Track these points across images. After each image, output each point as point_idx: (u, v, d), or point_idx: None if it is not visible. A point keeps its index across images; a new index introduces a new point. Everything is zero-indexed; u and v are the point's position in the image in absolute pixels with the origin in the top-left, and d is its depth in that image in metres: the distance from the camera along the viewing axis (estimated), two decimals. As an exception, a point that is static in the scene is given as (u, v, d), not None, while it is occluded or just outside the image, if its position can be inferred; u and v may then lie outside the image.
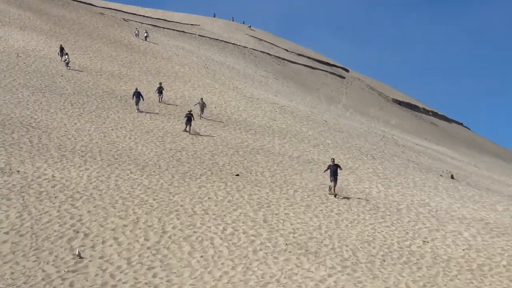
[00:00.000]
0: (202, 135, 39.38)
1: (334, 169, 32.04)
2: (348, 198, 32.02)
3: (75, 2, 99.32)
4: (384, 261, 22.61)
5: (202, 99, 49.04)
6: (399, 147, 61.05)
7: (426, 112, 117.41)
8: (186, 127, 40.10)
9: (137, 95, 47.00)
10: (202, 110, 47.76)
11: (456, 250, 24.81)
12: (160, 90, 47.07)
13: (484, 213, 32.92)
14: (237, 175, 33.73)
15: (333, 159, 33.94)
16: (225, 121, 47.38)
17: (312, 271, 20.89)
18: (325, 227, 26.20)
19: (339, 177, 32.87)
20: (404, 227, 27.62)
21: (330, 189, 32.52)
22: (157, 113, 45.47)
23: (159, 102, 45.09)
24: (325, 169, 33.51)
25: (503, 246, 25.19)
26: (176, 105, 49.37)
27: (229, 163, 35.79)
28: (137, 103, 46.68)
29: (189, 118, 39.60)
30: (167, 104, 40.17)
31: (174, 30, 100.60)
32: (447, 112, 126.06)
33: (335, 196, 31.82)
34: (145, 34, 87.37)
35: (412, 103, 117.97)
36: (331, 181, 32.07)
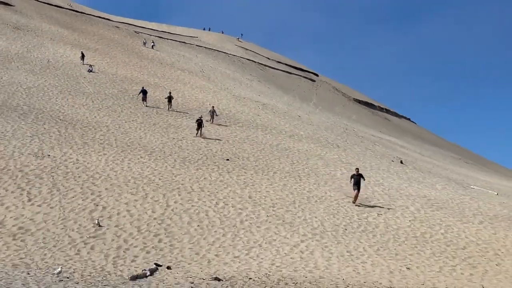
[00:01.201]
0: (210, 137, 38.74)
1: (357, 179, 27.62)
2: (317, 178, 32.06)
3: (95, 17, 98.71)
4: (346, 229, 22.81)
5: (213, 107, 47.11)
6: (359, 138, 61.17)
7: (380, 109, 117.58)
8: (197, 132, 38.51)
9: (144, 92, 46.96)
10: (212, 116, 45.29)
11: (404, 221, 25.04)
12: (170, 99, 44.82)
13: (426, 191, 33.18)
14: (227, 159, 33.73)
15: (358, 169, 28.99)
16: (217, 116, 47.31)
17: (288, 237, 21.07)
18: (298, 202, 26.31)
19: (362, 187, 28.18)
20: (362, 202, 27.78)
21: (355, 198, 27.67)
22: (162, 109, 45.37)
23: (168, 110, 42.67)
24: (350, 179, 28.54)
25: (441, 217, 25.50)
26: (178, 104, 49.32)
27: (221, 150, 35.77)
28: (143, 99, 46.58)
29: (199, 124, 38.18)
30: (175, 111, 38.21)
31: (175, 41, 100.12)
32: (398, 109, 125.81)
33: (354, 203, 27.44)
34: (152, 44, 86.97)
35: (369, 102, 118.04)
36: (354, 190, 27.55)
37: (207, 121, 41.83)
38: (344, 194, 29.06)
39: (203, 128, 38.78)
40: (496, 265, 19.48)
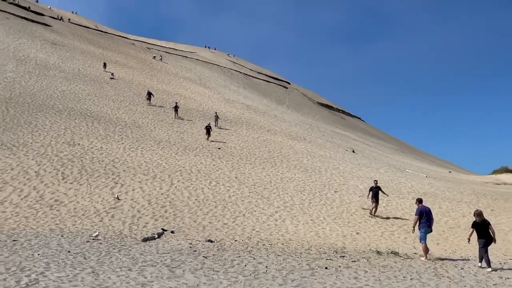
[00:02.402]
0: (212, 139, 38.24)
1: (376, 191, 22.62)
2: (289, 163, 32.18)
3: (115, 36, 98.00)
4: (310, 203, 22.93)
5: (216, 112, 45.79)
6: (321, 133, 61.46)
7: (337, 110, 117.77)
8: (207, 136, 36.55)
9: (149, 94, 46.76)
10: (216, 121, 43.39)
11: (355, 197, 25.22)
12: (176, 108, 42.64)
13: (372, 174, 33.34)
14: (219, 148, 33.72)
15: (376, 181, 24.08)
16: (211, 115, 47.23)
17: (265, 209, 21.16)
18: (273, 182, 26.41)
19: (380, 200, 22.92)
20: (323, 182, 27.96)
21: (371, 211, 22.38)
22: (168, 108, 45.26)
23: (174, 118, 40.51)
24: (368, 192, 23.10)
25: (384, 194, 25.67)
26: (181, 104, 49.30)
27: (213, 141, 35.76)
28: (148, 98, 46.22)
29: (208, 130, 36.64)
30: (181, 119, 37.59)
31: (179, 55, 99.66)
32: (351, 110, 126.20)
33: (372, 215, 22.06)
34: (160, 57, 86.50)
35: (329, 104, 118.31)
36: (372, 202, 22.48)
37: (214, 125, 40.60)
38: (308, 176, 29.16)
39: (211, 132, 37.13)
40: (437, 240, 19.68)
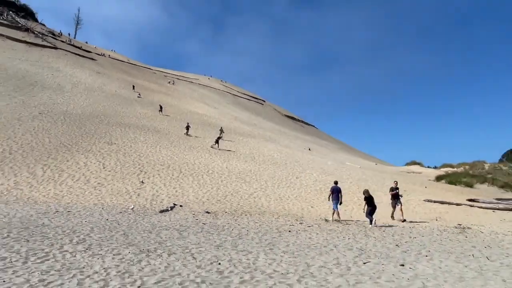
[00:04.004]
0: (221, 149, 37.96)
1: (396, 193, 16.96)
2: (264, 157, 32.25)
3: (141, 67, 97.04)
4: (278, 186, 22.99)
5: (222, 127, 42.44)
6: (287, 136, 61.64)
7: (298, 120, 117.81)
8: (217, 145, 33.74)
9: (160, 107, 46.61)
10: (220, 133, 39.12)
11: (310, 181, 25.34)
12: (187, 128, 38.27)
13: (322, 165, 33.64)
14: (212, 146, 33.55)
15: (396, 181, 18.33)
16: (207, 123, 47.09)
17: (247, 190, 21.15)
18: (253, 170, 26.40)
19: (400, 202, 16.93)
20: (288, 171, 28.02)
21: (401, 214, 16.42)
22: (177, 118, 45.00)
23: (185, 134, 36.76)
24: (391, 195, 17.38)
25: (330, 180, 25.76)
26: (187, 115, 49.02)
27: (209, 143, 35.66)
28: (160, 110, 45.82)
29: (217, 140, 34.23)
30: (191, 136, 36.45)
31: (186, 81, 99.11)
32: (307, 119, 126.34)
33: (402, 220, 16.06)
34: (173, 82, 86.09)
35: (293, 116, 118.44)
36: (394, 206, 16.89)
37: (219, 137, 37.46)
38: (277, 168, 29.25)
39: (219, 142, 34.57)
40: (359, 205, 19.92)
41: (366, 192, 15.77)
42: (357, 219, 16.51)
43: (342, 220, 15.88)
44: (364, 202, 15.63)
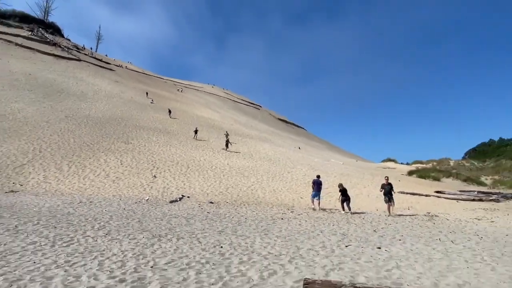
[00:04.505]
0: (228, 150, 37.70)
1: (388, 189, 15.19)
2: (260, 155, 32.22)
3: (154, 76, 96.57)
4: (272, 179, 22.91)
5: (226, 131, 41.21)
6: (280, 136, 61.62)
7: (289, 123, 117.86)
8: (226, 148, 32.65)
9: (169, 110, 46.46)
10: (227, 140, 35.44)
11: (300, 175, 25.30)
12: (196, 131, 36.35)
13: (310, 161, 33.53)
14: (225, 149, 33.42)
15: (387, 177, 16.41)
16: (211, 126, 46.97)
17: (245, 183, 21.09)
18: (251, 166, 26.33)
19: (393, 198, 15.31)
20: (280, 167, 27.95)
21: (388, 211, 14.86)
22: (185, 121, 44.85)
23: (193, 138, 34.99)
24: (381, 190, 15.66)
25: (317, 173, 25.82)
26: (193, 118, 48.91)
27: (213, 142, 35.57)
28: (169, 113, 45.72)
29: (226, 143, 33.23)
30: (199, 140, 34.64)
31: (193, 89, 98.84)
32: (297, 122, 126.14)
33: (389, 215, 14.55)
34: (182, 90, 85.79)
35: (285, 119, 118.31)
36: (386, 202, 15.05)
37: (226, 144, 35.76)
38: (272, 163, 29.20)
39: (229, 146, 33.48)
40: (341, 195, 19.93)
41: (340, 185, 16.16)
42: (341, 209, 16.56)
43: (327, 209, 15.89)
44: (339, 194, 15.98)
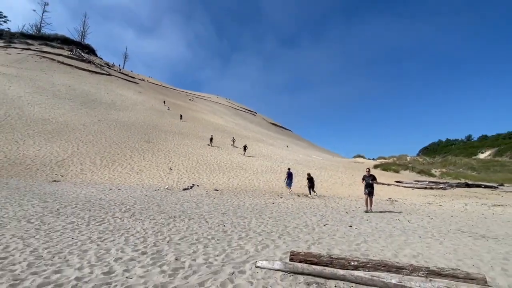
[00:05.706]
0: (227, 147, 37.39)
1: (368, 181, 11.22)
2: (254, 152, 32.13)
3: (170, 88, 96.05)
4: (266, 172, 22.86)
5: (233, 137, 38.27)
6: (271, 138, 61.53)
7: (280, 126, 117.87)
8: (244, 152, 29.77)
9: (181, 116, 46.12)
10: (233, 141, 34.46)
11: (287, 168, 25.28)
12: (211, 139, 32.14)
13: (295, 157, 33.48)
14: (211, 141, 33.26)
15: (369, 169, 11.61)
16: (215, 127, 46.76)
17: (244, 175, 20.99)
18: (248, 161, 26.27)
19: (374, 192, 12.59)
20: (272, 162, 27.89)
21: (368, 205, 10.96)
22: (195, 124, 44.61)
23: (208, 144, 30.71)
24: (362, 180, 11.50)
25: (302, 168, 25.76)
26: (203, 124, 48.66)
27: (215, 140, 35.40)
28: (181, 118, 45.34)
29: (244, 148, 30.28)
30: (214, 146, 30.55)
31: (202, 98, 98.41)
32: (285, 125, 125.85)
33: (367, 211, 10.76)
34: (193, 99, 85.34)
35: (275, 123, 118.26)
36: (365, 194, 11.19)
37: (230, 145, 33.79)
38: (263, 159, 29.11)
39: (247, 150, 30.88)
40: (320, 184, 19.96)
41: (308, 175, 16.45)
42: (320, 195, 16.56)
43: (300, 194, 15.97)
44: (307, 181, 16.27)
